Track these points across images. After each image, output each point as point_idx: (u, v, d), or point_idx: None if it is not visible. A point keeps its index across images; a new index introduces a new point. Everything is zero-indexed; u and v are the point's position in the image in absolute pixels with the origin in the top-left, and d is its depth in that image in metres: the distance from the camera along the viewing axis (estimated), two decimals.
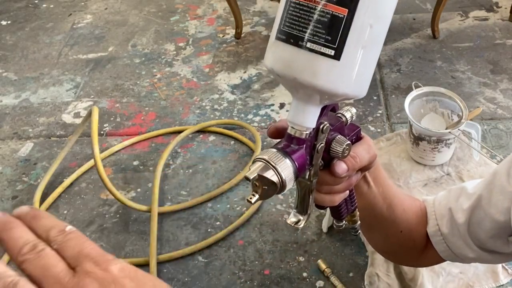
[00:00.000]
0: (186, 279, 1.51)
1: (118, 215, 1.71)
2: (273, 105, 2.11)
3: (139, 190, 1.79)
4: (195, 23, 2.69)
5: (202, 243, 1.58)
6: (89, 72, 2.39)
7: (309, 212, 0.60)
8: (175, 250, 1.58)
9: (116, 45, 2.56)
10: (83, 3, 2.94)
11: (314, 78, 0.50)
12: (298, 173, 0.54)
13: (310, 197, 0.59)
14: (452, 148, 1.38)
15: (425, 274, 1.27)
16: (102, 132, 2.03)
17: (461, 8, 2.62)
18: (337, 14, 0.49)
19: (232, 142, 1.96)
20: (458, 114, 1.36)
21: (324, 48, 0.49)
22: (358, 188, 0.68)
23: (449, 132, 1.30)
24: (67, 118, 2.14)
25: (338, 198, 0.62)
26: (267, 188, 0.53)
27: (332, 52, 0.49)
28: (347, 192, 0.63)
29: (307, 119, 0.54)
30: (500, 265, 1.39)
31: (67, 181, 1.81)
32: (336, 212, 0.67)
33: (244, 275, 1.50)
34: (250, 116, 2.06)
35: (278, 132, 0.59)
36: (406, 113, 1.34)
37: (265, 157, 0.53)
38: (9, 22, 2.83)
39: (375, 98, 2.10)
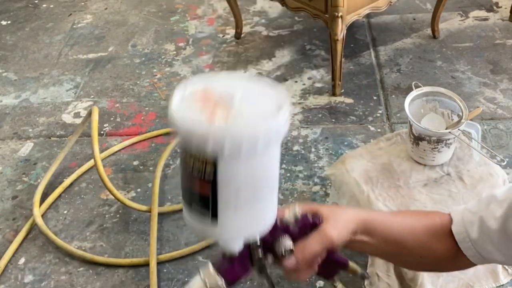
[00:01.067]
0: (186, 279, 1.51)
1: (118, 215, 1.71)
2: None
3: (139, 190, 1.79)
4: (195, 23, 2.69)
5: (202, 243, 1.58)
6: (89, 72, 2.39)
7: None
8: (175, 250, 1.57)
9: (116, 45, 2.56)
10: (83, 3, 2.94)
11: (202, 237, 0.65)
12: (231, 283, 0.68)
13: (269, 278, 0.71)
14: (452, 148, 1.38)
15: (425, 274, 1.27)
16: (102, 132, 2.03)
17: (461, 8, 2.62)
18: (204, 194, 0.61)
19: None
20: (458, 114, 1.36)
21: (203, 217, 0.63)
22: (351, 247, 0.74)
23: (449, 132, 1.30)
24: (67, 118, 2.14)
25: (303, 277, 0.70)
26: None
27: (209, 220, 0.62)
28: (314, 269, 0.71)
29: (231, 245, 0.68)
30: (500, 265, 1.39)
31: (67, 181, 1.81)
32: (320, 276, 0.75)
33: None
34: None
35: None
36: (406, 113, 1.34)
37: (199, 278, 0.69)
38: (9, 22, 2.83)
39: (375, 98, 2.10)
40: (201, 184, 0.58)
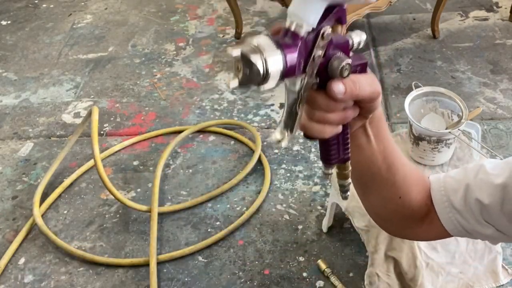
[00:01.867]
0: (186, 279, 1.51)
1: (118, 215, 1.71)
2: (273, 105, 2.11)
3: (139, 190, 1.79)
4: (195, 23, 2.69)
5: (202, 243, 1.58)
6: (89, 72, 2.39)
7: (294, 130, 0.56)
8: (175, 250, 1.58)
9: (116, 45, 2.56)
10: (83, 3, 2.94)
11: None
12: (286, 71, 0.50)
13: (298, 113, 0.55)
14: (452, 148, 1.38)
15: (425, 274, 1.27)
16: (102, 132, 2.03)
17: (461, 8, 2.62)
18: None
19: (232, 142, 1.96)
20: (458, 114, 1.36)
21: None
22: (355, 139, 0.64)
23: (449, 132, 1.30)
24: (67, 118, 2.14)
25: (329, 131, 0.58)
26: (249, 75, 0.49)
27: None
28: (340, 128, 0.59)
29: (307, 12, 0.51)
30: (500, 265, 1.39)
31: (67, 181, 1.81)
32: (326, 152, 0.62)
33: (244, 275, 1.50)
34: (250, 116, 2.06)
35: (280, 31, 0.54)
36: (406, 113, 1.34)
37: (255, 41, 0.49)
38: (9, 22, 2.83)
39: None
40: None
